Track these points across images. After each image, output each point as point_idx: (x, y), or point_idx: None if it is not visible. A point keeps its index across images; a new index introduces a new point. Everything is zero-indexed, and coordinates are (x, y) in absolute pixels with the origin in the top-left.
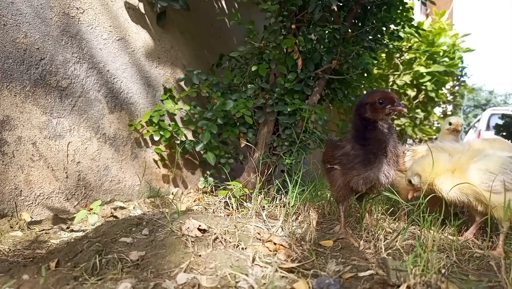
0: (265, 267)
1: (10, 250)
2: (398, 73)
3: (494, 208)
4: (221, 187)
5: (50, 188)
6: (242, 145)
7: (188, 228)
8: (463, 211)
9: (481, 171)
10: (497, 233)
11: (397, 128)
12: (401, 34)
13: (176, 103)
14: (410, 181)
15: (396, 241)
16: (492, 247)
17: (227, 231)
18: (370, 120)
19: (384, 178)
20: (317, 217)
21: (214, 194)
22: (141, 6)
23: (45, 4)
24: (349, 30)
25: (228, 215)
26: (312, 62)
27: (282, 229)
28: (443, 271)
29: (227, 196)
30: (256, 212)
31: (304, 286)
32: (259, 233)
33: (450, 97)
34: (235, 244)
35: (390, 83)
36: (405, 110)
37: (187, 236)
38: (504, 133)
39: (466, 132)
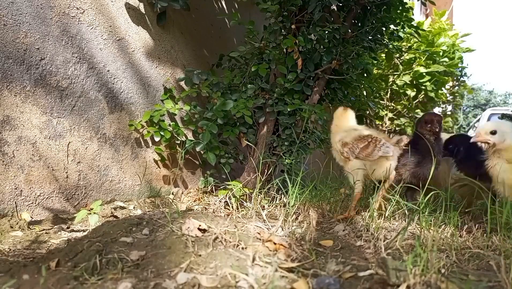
0: (265, 266)
1: (10, 250)
2: (397, 73)
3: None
4: (221, 187)
5: (50, 188)
6: (243, 145)
7: (188, 228)
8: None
9: None
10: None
11: (397, 128)
12: (401, 34)
13: (176, 103)
14: (493, 132)
15: (396, 241)
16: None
17: (227, 231)
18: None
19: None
20: (317, 217)
21: (214, 194)
22: (141, 6)
23: (45, 4)
24: (349, 30)
25: (228, 215)
26: (312, 62)
27: (282, 229)
28: (443, 271)
29: (227, 196)
30: (256, 212)
31: (304, 285)
32: (259, 233)
33: (449, 97)
34: (235, 244)
35: (390, 83)
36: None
37: (187, 236)
38: None
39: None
